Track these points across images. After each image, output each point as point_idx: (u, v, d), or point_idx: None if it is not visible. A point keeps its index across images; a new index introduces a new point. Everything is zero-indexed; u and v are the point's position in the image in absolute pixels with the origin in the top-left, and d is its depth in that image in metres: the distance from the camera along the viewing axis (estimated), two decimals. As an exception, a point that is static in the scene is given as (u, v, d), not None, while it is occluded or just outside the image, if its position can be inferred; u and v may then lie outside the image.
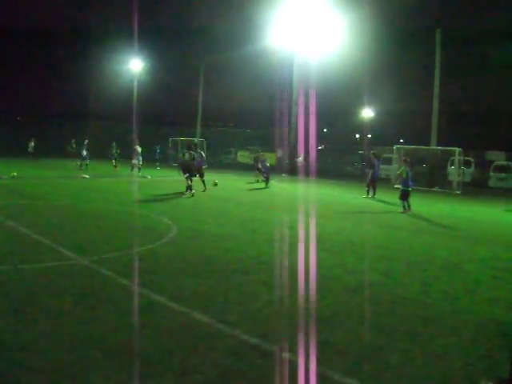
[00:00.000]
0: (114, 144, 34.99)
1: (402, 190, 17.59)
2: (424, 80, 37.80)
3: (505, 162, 35.86)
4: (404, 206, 17.50)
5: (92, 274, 7.54)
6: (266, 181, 25.05)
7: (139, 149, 30.01)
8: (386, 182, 32.23)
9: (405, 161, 18.84)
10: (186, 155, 20.09)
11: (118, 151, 34.39)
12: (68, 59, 53.13)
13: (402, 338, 5.59)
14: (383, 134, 58.54)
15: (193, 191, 19.16)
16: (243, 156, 40.85)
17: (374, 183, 22.58)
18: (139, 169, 29.09)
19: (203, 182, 21.08)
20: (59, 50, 51.93)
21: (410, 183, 17.62)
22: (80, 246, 9.23)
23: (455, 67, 41.75)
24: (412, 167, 19.37)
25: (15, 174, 22.90)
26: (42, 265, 7.83)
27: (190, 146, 20.89)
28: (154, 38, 45.66)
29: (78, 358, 4.68)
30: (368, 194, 22.45)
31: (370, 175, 22.77)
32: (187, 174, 19.48)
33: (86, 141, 31.21)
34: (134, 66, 44.45)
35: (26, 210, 13.80)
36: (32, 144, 37.86)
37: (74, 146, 36.42)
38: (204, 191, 20.60)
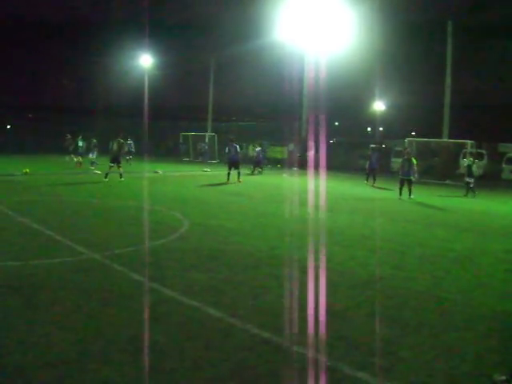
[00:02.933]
0: (80, 137, 34.39)
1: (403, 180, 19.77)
2: (436, 72, 37.52)
3: (516, 154, 35.56)
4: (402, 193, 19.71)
5: (104, 269, 7.58)
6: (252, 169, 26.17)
7: (94, 140, 29.88)
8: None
9: (407, 153, 20.77)
10: (115, 145, 21.15)
11: (89, 144, 32.08)
12: (76, 54, 53.21)
13: (413, 331, 5.58)
14: (395, 126, 58.27)
15: (106, 179, 20.37)
16: (253, 149, 40.75)
17: (373, 172, 25.87)
18: (93, 163, 28.45)
19: (238, 173, 23.33)
20: (67, 44, 52.04)
21: (410, 172, 19.68)
22: (92, 242, 9.29)
23: (467, 59, 41.45)
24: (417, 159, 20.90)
25: (27, 170, 23.05)
26: (55, 260, 7.88)
27: (118, 135, 21.72)
28: (164, 33, 45.65)
29: (90, 352, 4.72)
30: (367, 180, 25.96)
31: (367, 165, 26.48)
32: (112, 164, 20.91)
33: (94, 140, 31.14)
34: (144, 61, 44.55)
35: (39, 206, 13.90)
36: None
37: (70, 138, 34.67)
38: (239, 182, 22.96)
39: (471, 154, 26.84)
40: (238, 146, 23.86)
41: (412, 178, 19.74)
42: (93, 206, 14.18)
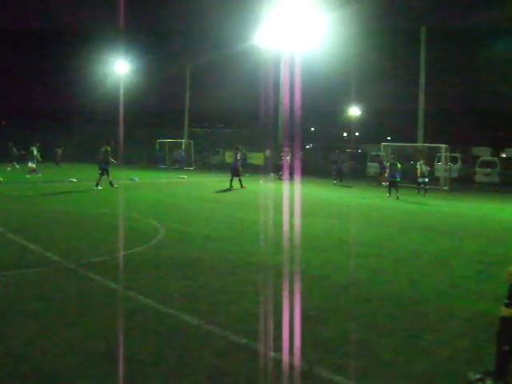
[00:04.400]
0: (11, 143, 34.03)
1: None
2: (410, 78, 37.99)
3: (490, 158, 36.19)
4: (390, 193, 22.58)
5: (79, 278, 7.50)
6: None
7: (35, 151, 29.34)
8: (375, 179, 32.36)
9: (392, 158, 24.06)
10: (101, 153, 21.62)
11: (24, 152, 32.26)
12: (52, 61, 52.69)
13: (390, 333, 5.62)
14: (371, 131, 58.82)
15: (99, 187, 20.79)
16: (231, 156, 40.77)
17: (339, 173, 30.12)
18: (32, 171, 27.98)
19: (240, 180, 24.13)
20: (43, 50, 51.54)
21: (396, 175, 22.43)
22: (68, 251, 9.19)
23: (441, 65, 42.04)
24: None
25: (1, 179, 22.74)
26: (29, 270, 7.77)
27: (109, 142, 22.22)
28: (140, 40, 45.54)
29: (65, 364, 4.65)
30: (334, 180, 29.64)
31: (334, 168, 30.46)
32: (100, 172, 21.33)
33: (34, 148, 30.82)
34: (120, 67, 44.30)
35: (13, 215, 13.70)
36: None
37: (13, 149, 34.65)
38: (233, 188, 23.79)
39: (422, 156, 28.08)
40: (239, 154, 25.08)
41: (397, 179, 22.45)
42: (68, 215, 14.02)
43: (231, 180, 24.40)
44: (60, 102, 52.95)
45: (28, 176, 26.89)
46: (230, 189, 23.85)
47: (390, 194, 22.56)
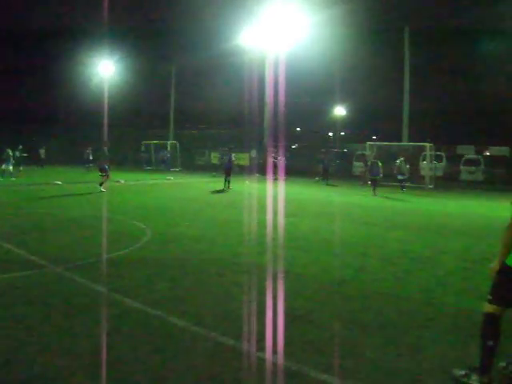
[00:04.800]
0: (20, 147, 33.38)
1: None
2: (395, 77, 38.21)
3: (474, 156, 36.46)
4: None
5: (65, 281, 7.45)
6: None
7: (10, 152, 28.75)
8: (360, 178, 32.52)
9: (374, 157, 26.39)
10: (100, 154, 22.44)
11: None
12: (35, 61, 52.19)
13: (376, 331, 5.66)
14: (356, 131, 59.02)
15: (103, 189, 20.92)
16: (217, 157, 40.81)
17: (325, 172, 31.41)
18: (6, 173, 27.60)
19: (228, 181, 24.66)
20: (25, 51, 51.07)
21: (377, 173, 24.28)
22: (53, 254, 9.12)
23: (426, 64, 42.30)
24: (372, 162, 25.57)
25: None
26: (15, 274, 7.70)
27: (106, 144, 22.96)
28: (124, 40, 45.28)
29: (51, 368, 4.62)
30: (317, 177, 31.62)
31: (321, 168, 32.14)
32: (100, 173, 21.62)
33: (20, 146, 30.49)
34: (104, 69, 44.08)
35: (-3, 219, 13.58)
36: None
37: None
38: (226, 189, 24.26)
39: (403, 154, 28.86)
40: (232, 155, 25.74)
41: (378, 177, 24.25)
42: (53, 218, 13.91)
43: (225, 181, 24.75)
44: (44, 103, 52.54)
45: (13, 179, 26.67)
46: (225, 190, 24.11)
47: (374, 192, 23.57)
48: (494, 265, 4.35)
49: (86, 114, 49.06)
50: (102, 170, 21.54)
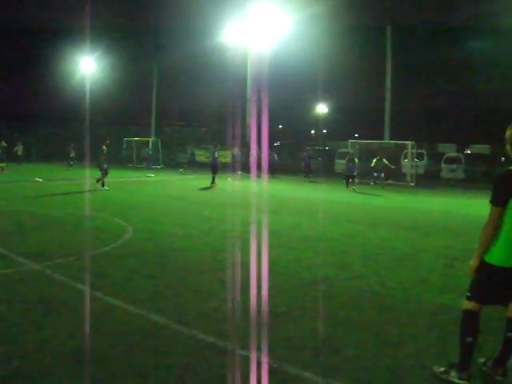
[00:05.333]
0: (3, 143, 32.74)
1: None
2: (377, 76, 38.38)
3: (455, 154, 36.80)
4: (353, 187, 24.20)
5: (45, 279, 7.37)
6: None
7: None
8: (343, 175, 32.67)
9: (351, 154, 25.99)
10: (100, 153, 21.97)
11: None
12: (16, 57, 51.53)
13: (357, 329, 5.68)
14: (338, 129, 59.16)
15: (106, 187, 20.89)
16: (199, 154, 40.68)
17: (307, 169, 33.11)
18: None
19: (213, 178, 24.63)
20: (4, 47, 50.33)
21: (353, 169, 24.65)
22: (33, 252, 9.01)
23: (407, 63, 42.54)
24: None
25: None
26: (-7, 272, 7.61)
27: (106, 142, 22.52)
28: (106, 37, 44.85)
29: (31, 366, 4.57)
30: (305, 176, 32.31)
31: (303, 165, 33.95)
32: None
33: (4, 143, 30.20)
34: (86, 65, 43.69)
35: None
36: None
37: None
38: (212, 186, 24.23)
39: (380, 153, 28.99)
40: (216, 153, 25.61)
41: (354, 173, 24.64)
42: (33, 216, 13.74)
43: (212, 178, 24.74)
44: (24, 99, 51.97)
45: None
46: (212, 186, 24.11)
47: (347, 186, 24.34)
48: (473, 262, 4.38)
49: (67, 110, 48.59)
50: (100, 168, 21.34)
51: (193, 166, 36.37)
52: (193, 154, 38.04)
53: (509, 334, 4.44)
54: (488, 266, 4.27)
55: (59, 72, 46.96)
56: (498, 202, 4.20)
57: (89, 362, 4.61)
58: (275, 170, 33.62)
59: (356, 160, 24.98)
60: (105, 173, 21.27)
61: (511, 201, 4.14)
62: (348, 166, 24.86)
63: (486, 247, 4.29)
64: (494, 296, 4.36)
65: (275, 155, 35.25)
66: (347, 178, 24.78)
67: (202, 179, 27.42)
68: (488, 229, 4.26)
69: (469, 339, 4.33)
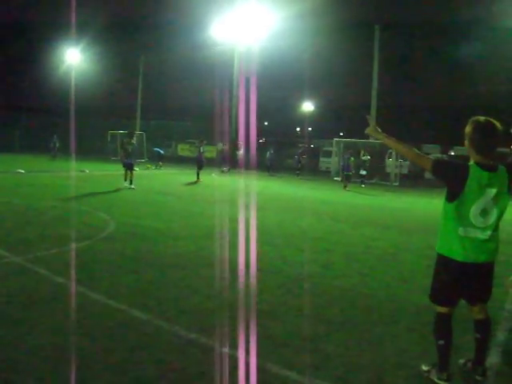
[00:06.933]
0: None
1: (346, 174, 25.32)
2: (364, 74, 38.48)
3: (439, 155, 37.09)
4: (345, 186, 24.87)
5: (26, 272, 7.26)
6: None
7: None
8: (327, 174, 32.77)
9: (350, 153, 26.25)
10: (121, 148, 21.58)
11: None
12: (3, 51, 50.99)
13: (340, 328, 5.67)
14: (323, 127, 59.30)
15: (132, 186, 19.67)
16: (184, 149, 40.53)
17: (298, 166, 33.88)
18: None
19: (198, 174, 24.72)
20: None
21: (349, 169, 25.28)
22: (13, 245, 8.88)
23: (394, 62, 42.71)
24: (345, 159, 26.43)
25: None
26: (-28, 264, 7.49)
27: (131, 136, 21.65)
28: (92, 29, 44.48)
29: (9, 362, 4.49)
30: (298, 175, 33.08)
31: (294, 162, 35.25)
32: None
33: None
34: (71, 58, 43.30)
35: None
36: None
37: None
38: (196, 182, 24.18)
39: (365, 151, 29.80)
40: (201, 148, 25.48)
41: (350, 173, 25.44)
42: (14, 208, 13.57)
43: (197, 173, 24.81)
44: (7, 91, 51.39)
45: None
46: (195, 182, 24.12)
47: (344, 187, 24.72)
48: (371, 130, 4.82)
49: (51, 101, 48.14)
50: (124, 164, 19.91)
51: (161, 160, 36.01)
52: (159, 150, 37.53)
53: (477, 335, 4.48)
54: (449, 261, 4.29)
55: (43, 63, 46.54)
56: (439, 170, 4.32)
57: (68, 357, 4.54)
58: (271, 168, 34.16)
59: (352, 159, 25.74)
60: (130, 169, 19.70)
61: (461, 195, 4.12)
62: (344, 165, 25.69)
63: (395, 144, 4.54)
64: (458, 295, 4.39)
65: (271, 151, 35.44)
66: (347, 177, 25.34)
67: (187, 174, 27.33)
68: (406, 152, 4.41)
69: (441, 342, 4.37)
